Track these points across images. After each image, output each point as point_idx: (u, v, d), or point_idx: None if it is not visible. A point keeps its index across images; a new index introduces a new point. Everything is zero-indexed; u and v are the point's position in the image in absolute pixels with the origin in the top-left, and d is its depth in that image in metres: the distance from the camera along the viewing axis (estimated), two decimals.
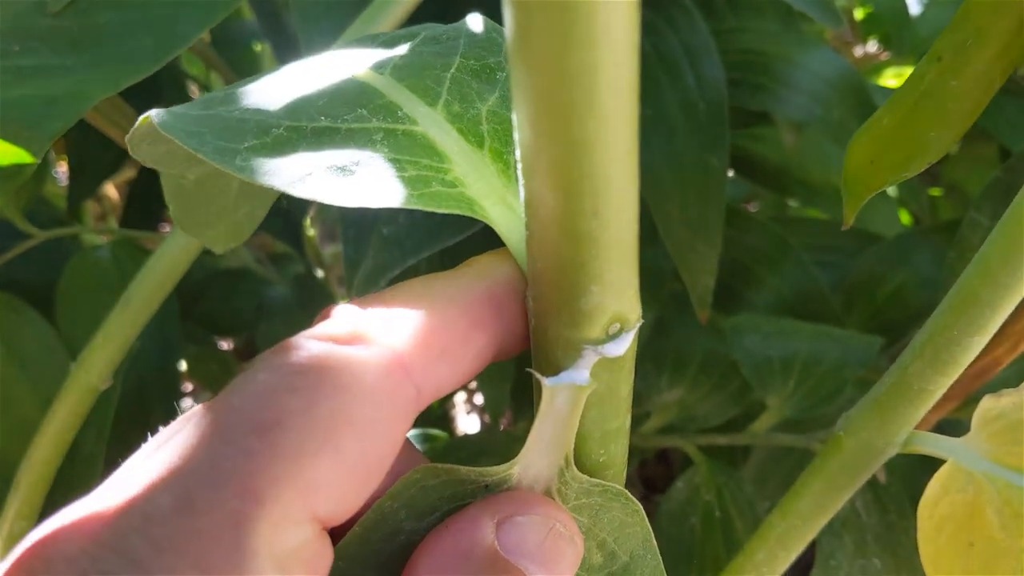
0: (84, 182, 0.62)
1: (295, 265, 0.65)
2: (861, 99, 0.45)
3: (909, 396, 0.21)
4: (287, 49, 0.59)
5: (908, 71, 0.76)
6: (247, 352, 0.88)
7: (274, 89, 0.20)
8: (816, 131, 0.54)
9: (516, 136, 0.15)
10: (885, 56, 0.88)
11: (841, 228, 0.57)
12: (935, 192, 0.73)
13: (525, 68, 0.14)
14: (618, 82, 0.14)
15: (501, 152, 0.19)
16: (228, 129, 0.19)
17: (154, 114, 0.19)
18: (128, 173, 0.91)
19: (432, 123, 0.19)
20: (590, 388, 0.17)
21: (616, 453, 0.20)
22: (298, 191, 0.18)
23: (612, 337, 0.17)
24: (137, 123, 0.20)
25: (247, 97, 0.20)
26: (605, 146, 0.14)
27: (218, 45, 0.68)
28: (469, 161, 0.19)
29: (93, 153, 0.62)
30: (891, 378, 0.22)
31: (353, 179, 0.18)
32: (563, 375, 0.17)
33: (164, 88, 0.62)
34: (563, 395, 0.17)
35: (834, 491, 0.24)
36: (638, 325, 0.17)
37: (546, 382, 0.17)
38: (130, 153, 0.22)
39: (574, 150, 0.14)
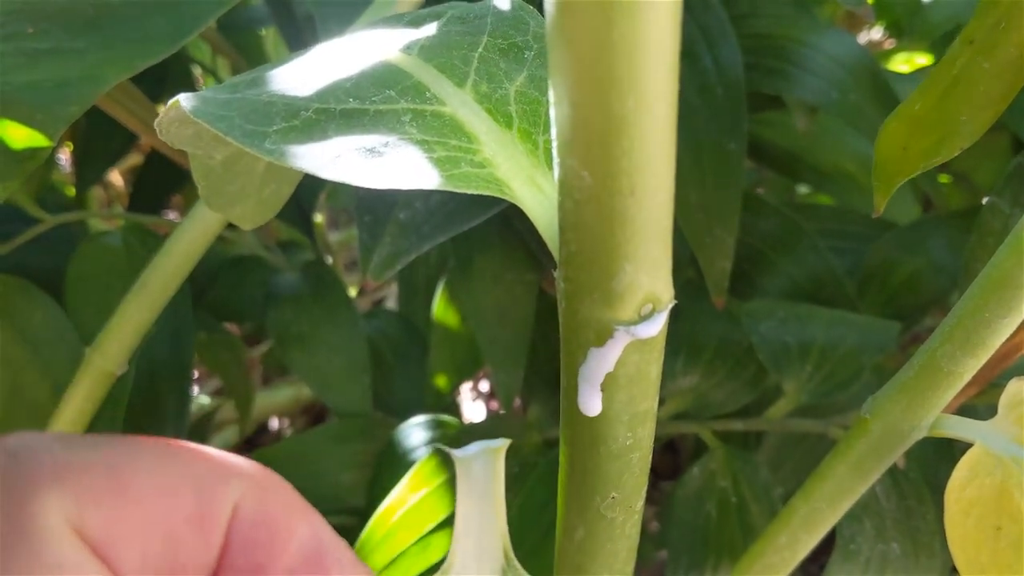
0: (92, 167, 0.62)
1: (304, 252, 0.65)
2: (877, 83, 0.44)
3: (938, 379, 0.21)
4: (295, 34, 0.59)
5: (917, 57, 0.76)
6: (256, 339, 0.88)
7: (301, 72, 0.20)
8: (832, 115, 0.54)
9: (552, 113, 0.15)
10: (890, 43, 0.87)
11: (852, 215, 0.57)
12: (943, 179, 0.73)
13: (564, 41, 0.13)
14: (660, 57, 0.13)
15: (530, 132, 0.19)
16: (256, 112, 0.19)
17: (183, 98, 0.19)
18: (133, 160, 0.91)
19: (460, 103, 0.19)
20: (504, 446, 0.15)
21: (643, 436, 0.20)
22: (328, 174, 0.18)
23: (644, 318, 0.17)
24: (167, 107, 0.20)
25: (274, 80, 0.20)
26: (644, 123, 0.14)
27: (224, 30, 0.68)
28: (498, 141, 0.19)
29: (101, 138, 0.62)
30: (919, 360, 0.21)
31: (383, 161, 0.18)
32: (471, 445, 0.15)
33: (171, 72, 0.62)
34: (479, 462, 0.15)
35: (859, 474, 0.24)
36: (670, 306, 0.17)
37: (456, 454, 0.15)
38: (158, 135, 0.22)
39: (613, 126, 0.14)
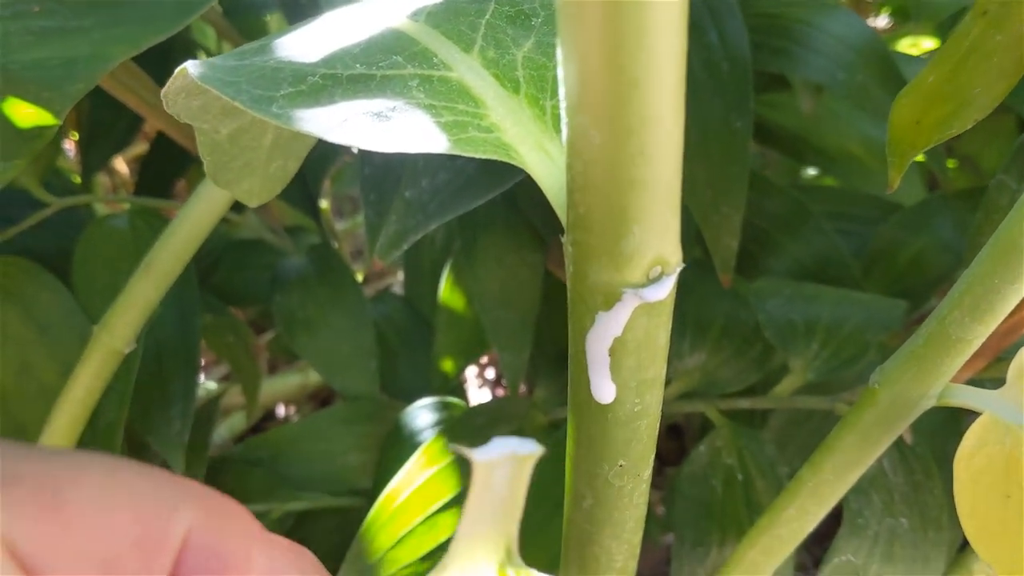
0: (97, 152, 0.62)
1: (309, 237, 0.65)
2: (884, 63, 0.44)
3: (947, 346, 0.21)
4: (300, 18, 0.59)
5: (923, 41, 0.76)
6: (262, 326, 0.88)
7: (309, 39, 0.20)
8: (838, 96, 0.53)
9: (560, 71, 0.15)
10: (891, 28, 0.87)
11: (857, 197, 0.56)
12: (950, 164, 0.73)
13: None
14: (670, 13, 0.13)
15: (537, 98, 0.19)
16: (264, 78, 0.19)
17: (190, 65, 0.19)
18: (137, 149, 0.91)
19: (467, 69, 0.19)
20: (536, 456, 0.13)
21: (651, 403, 0.20)
22: (335, 137, 0.18)
23: (653, 280, 0.17)
24: (174, 76, 0.20)
25: (282, 47, 0.20)
26: (654, 81, 0.14)
27: (229, 15, 0.67)
28: (505, 107, 0.19)
29: (106, 123, 0.62)
30: (928, 328, 0.21)
31: (390, 125, 0.18)
32: (494, 443, 0.13)
33: (177, 57, 0.62)
34: (502, 471, 0.13)
35: (867, 445, 0.24)
36: (679, 269, 0.17)
37: (476, 457, 0.12)
38: (165, 108, 0.22)
39: (623, 83, 0.14)
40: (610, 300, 0.17)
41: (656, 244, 0.17)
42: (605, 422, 0.20)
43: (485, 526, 0.14)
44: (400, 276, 1.02)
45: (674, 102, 0.15)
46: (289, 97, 0.18)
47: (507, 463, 0.13)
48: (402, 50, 0.19)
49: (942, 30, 0.70)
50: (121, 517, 0.16)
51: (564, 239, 0.18)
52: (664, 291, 0.17)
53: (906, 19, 0.78)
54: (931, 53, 0.70)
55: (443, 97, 0.19)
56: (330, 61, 0.19)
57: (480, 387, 1.03)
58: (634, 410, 0.20)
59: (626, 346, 0.18)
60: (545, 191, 0.19)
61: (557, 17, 0.14)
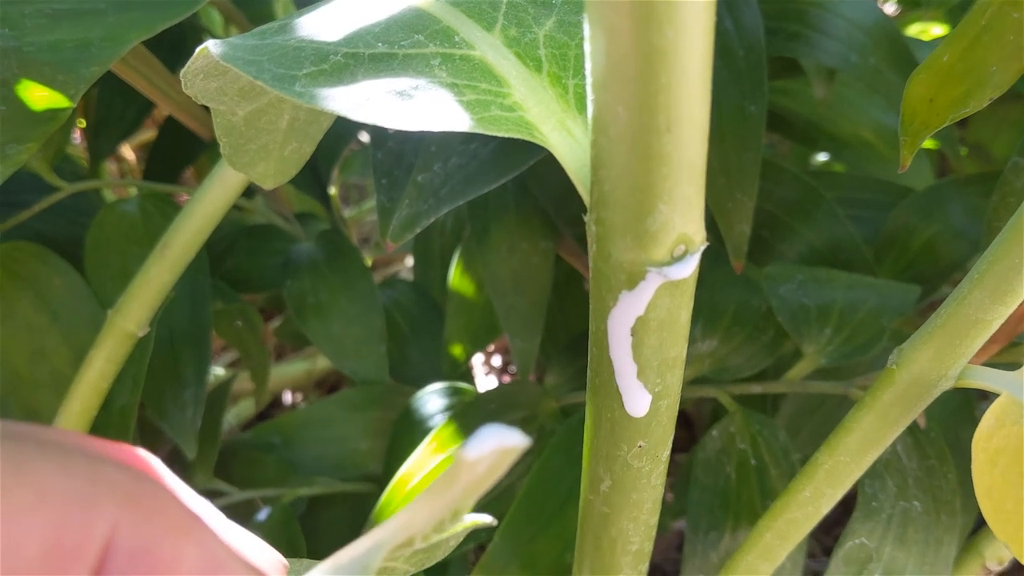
0: (106, 138, 0.62)
1: (319, 223, 0.65)
2: (896, 46, 0.44)
3: (966, 326, 0.21)
4: (308, 2, 0.58)
5: (932, 27, 0.76)
6: (269, 313, 0.88)
7: (329, 18, 0.20)
8: (851, 79, 0.53)
9: (587, 47, 0.15)
10: (899, 14, 0.86)
11: (869, 182, 0.56)
12: (961, 151, 0.72)
13: None
14: None
15: (559, 76, 0.19)
16: (286, 57, 0.19)
17: (212, 44, 0.19)
18: (144, 136, 0.91)
19: (489, 47, 0.19)
20: (520, 448, 0.12)
21: (672, 384, 0.20)
22: (358, 115, 0.18)
23: (677, 259, 0.17)
24: (193, 56, 0.20)
25: (303, 26, 0.20)
26: (682, 57, 0.14)
27: (236, 2, 0.67)
28: (528, 85, 0.19)
29: (116, 108, 0.62)
30: (948, 308, 0.21)
31: (413, 103, 0.18)
32: (484, 432, 0.12)
33: (187, 42, 0.62)
34: (486, 461, 0.12)
35: (884, 426, 0.24)
36: (703, 247, 0.17)
37: (466, 456, 0.12)
38: (183, 89, 0.22)
39: (651, 59, 0.14)
40: (634, 279, 0.17)
41: (680, 222, 0.17)
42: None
43: (450, 496, 0.14)
44: (406, 263, 1.02)
45: (701, 79, 0.15)
46: (311, 76, 0.18)
47: (492, 456, 0.12)
48: (423, 29, 0.19)
49: (952, 16, 0.69)
50: (28, 524, 0.14)
51: (587, 218, 0.18)
52: (688, 269, 0.17)
53: (914, 6, 0.78)
54: (941, 39, 0.70)
55: (465, 76, 0.19)
56: (352, 40, 0.19)
57: (487, 374, 1.03)
58: (656, 390, 0.20)
59: (648, 325, 0.18)
60: (567, 169, 0.19)
61: None
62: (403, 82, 0.18)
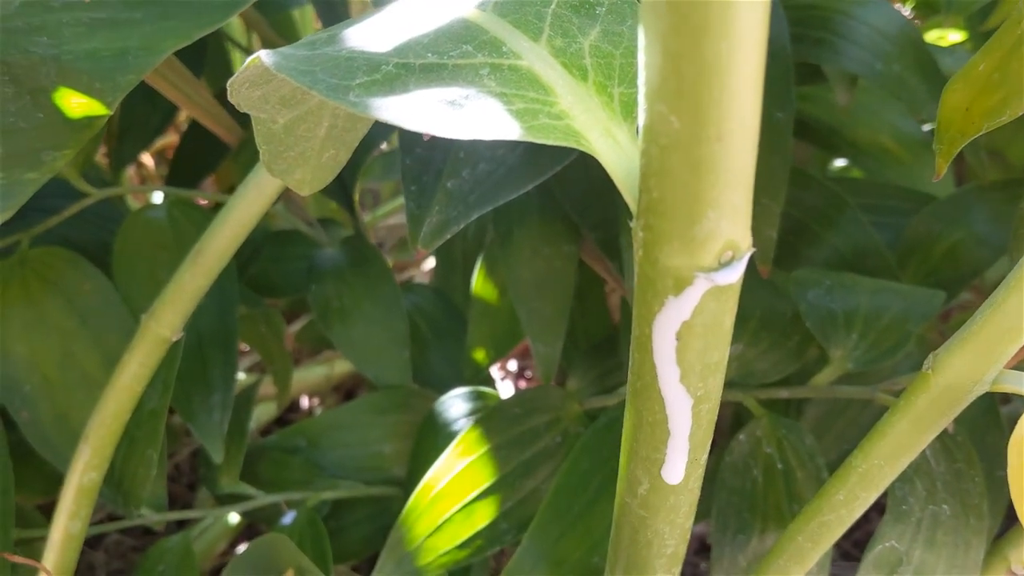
0: (131, 144, 0.63)
1: (341, 229, 0.65)
2: (920, 54, 0.44)
3: (1001, 332, 0.21)
4: (330, 12, 0.59)
5: (950, 33, 0.76)
6: (287, 315, 0.89)
7: (378, 29, 0.21)
8: (875, 86, 0.53)
9: (641, 58, 0.15)
10: (915, 21, 0.86)
11: (890, 189, 0.56)
12: None
13: None
14: (752, 3, 0.14)
15: (605, 85, 0.20)
16: (338, 67, 0.19)
17: (264, 55, 0.20)
18: (163, 142, 0.92)
19: (536, 57, 0.20)
20: None
21: (713, 387, 0.21)
22: (412, 124, 0.18)
23: (724, 264, 0.17)
24: (243, 67, 0.21)
25: (351, 37, 0.21)
26: (735, 70, 0.15)
27: (259, 7, 0.68)
28: (574, 94, 0.19)
29: (141, 114, 0.62)
30: (983, 315, 0.22)
31: (464, 112, 0.18)
32: None
33: (209, 50, 0.63)
34: None
35: (918, 431, 0.24)
36: (749, 253, 0.18)
37: None
38: (228, 97, 0.23)
39: (704, 71, 0.14)
40: (681, 284, 0.18)
41: (728, 229, 0.17)
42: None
43: None
44: (423, 268, 1.02)
45: (752, 90, 0.15)
46: (365, 86, 0.19)
47: None
48: (472, 39, 0.20)
49: (972, 23, 0.69)
50: None
51: (633, 224, 0.18)
52: (735, 275, 0.17)
53: (930, 12, 0.78)
54: (960, 46, 0.70)
55: (514, 85, 0.19)
56: (402, 51, 0.20)
57: (503, 379, 1.03)
58: (697, 394, 0.20)
59: (693, 330, 0.19)
60: (614, 176, 0.19)
61: (640, 6, 0.15)
62: (454, 91, 0.19)
